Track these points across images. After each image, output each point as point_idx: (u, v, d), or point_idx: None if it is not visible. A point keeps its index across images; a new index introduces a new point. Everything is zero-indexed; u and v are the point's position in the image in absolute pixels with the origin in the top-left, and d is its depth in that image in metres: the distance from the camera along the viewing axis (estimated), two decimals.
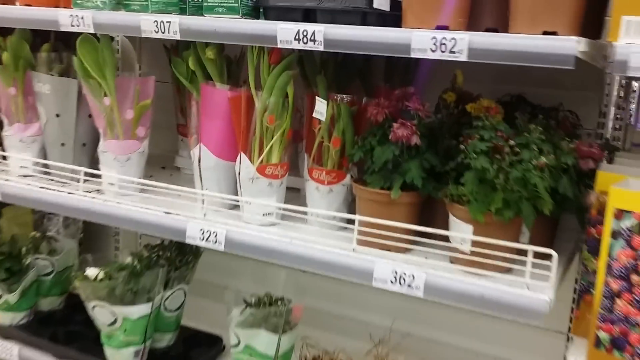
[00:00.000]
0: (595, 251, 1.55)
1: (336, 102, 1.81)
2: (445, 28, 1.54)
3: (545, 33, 1.42)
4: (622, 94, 2.08)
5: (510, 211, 1.46)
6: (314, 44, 1.60)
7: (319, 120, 1.81)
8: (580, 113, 1.98)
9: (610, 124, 2.11)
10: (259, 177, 1.82)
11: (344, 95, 1.87)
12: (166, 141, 2.57)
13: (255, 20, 1.72)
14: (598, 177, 1.53)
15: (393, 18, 1.69)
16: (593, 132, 2.08)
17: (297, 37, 1.62)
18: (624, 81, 2.06)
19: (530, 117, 1.75)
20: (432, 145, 1.71)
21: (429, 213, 1.77)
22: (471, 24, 1.60)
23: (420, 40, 1.48)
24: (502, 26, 1.62)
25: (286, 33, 1.63)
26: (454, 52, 1.46)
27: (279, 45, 1.64)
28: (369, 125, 1.85)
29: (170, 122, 2.54)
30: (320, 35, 1.59)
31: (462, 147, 1.51)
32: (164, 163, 2.55)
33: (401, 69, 2.18)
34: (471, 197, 1.49)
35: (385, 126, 1.71)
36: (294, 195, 2.11)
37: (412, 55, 1.50)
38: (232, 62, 2.10)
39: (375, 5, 1.62)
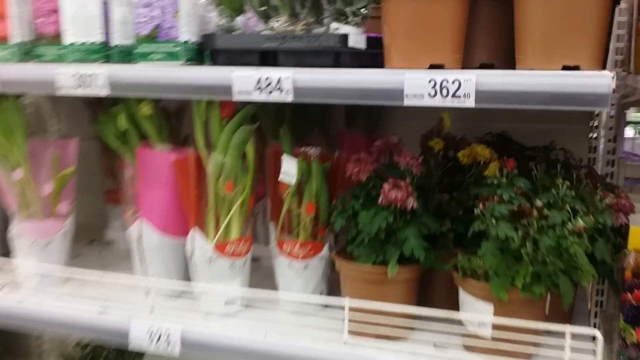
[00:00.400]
0: (634, 321, 1.30)
1: (306, 158, 1.51)
2: (440, 67, 1.27)
3: (565, 68, 1.17)
4: (611, 126, 1.89)
5: (541, 286, 1.19)
6: (281, 93, 1.29)
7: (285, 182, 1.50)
8: (569, 149, 1.76)
9: (601, 160, 1.91)
10: (218, 257, 1.48)
11: (312, 149, 1.57)
12: (92, 208, 2.18)
13: (203, 68, 1.40)
14: (631, 233, 1.29)
15: (370, 57, 1.41)
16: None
17: (258, 86, 1.31)
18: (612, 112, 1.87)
19: (529, 162, 1.52)
20: (423, 203, 1.43)
21: (426, 283, 1.48)
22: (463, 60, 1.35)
23: (415, 84, 1.21)
24: (498, 61, 1.38)
25: (244, 82, 1.32)
26: (457, 97, 1.18)
27: (236, 98, 1.33)
28: (343, 183, 1.56)
29: (95, 185, 2.15)
30: (288, 82, 1.28)
31: (477, 211, 1.23)
32: (91, 235, 2.17)
33: (364, 110, 1.91)
34: (492, 271, 1.21)
35: (370, 185, 1.42)
36: (254, 266, 1.77)
37: (406, 103, 1.22)
38: (170, 115, 1.76)
39: (350, 44, 1.34)
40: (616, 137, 1.90)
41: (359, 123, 1.95)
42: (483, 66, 1.38)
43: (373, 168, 1.42)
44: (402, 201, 1.32)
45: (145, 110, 1.55)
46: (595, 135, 1.90)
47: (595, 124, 1.90)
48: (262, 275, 1.72)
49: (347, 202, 1.44)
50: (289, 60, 1.38)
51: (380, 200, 1.34)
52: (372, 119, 1.95)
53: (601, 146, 1.90)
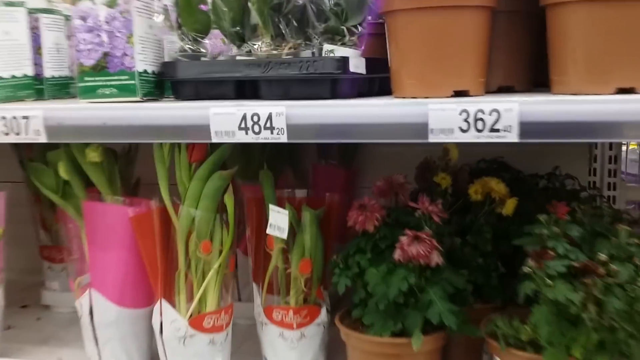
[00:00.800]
0: None
1: (294, 205, 1.26)
2: (465, 93, 1.05)
3: (620, 91, 0.98)
4: (610, 145, 1.73)
5: (606, 356, 0.98)
6: (272, 133, 1.04)
7: (274, 236, 1.24)
8: (567, 172, 1.58)
9: (599, 182, 1.75)
10: (194, 333, 1.21)
11: (299, 192, 1.32)
12: (23, 263, 1.84)
13: (170, 104, 1.12)
14: None
15: (369, 84, 1.18)
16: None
17: (243, 126, 1.05)
18: None
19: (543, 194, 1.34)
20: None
21: None
22: None
23: (443, 116, 0.98)
24: (518, 83, 1.20)
25: (225, 120, 1.05)
26: (497, 131, 0.97)
27: (215, 139, 1.06)
28: (337, 230, 1.33)
29: (26, 236, 1.82)
30: (280, 120, 1.03)
31: (527, 270, 1.01)
32: (24, 297, 1.83)
33: None
34: (545, 340, 0.99)
35: (377, 236, 1.19)
36: None
37: (432, 140, 0.99)
38: (117, 155, 1.46)
39: (351, 69, 1.10)
40: (616, 157, 1.75)
41: (333, 154, 1.72)
42: (501, 89, 1.18)
43: (381, 215, 1.18)
44: (425, 257, 1.09)
45: (93, 156, 1.26)
46: (595, 155, 1.74)
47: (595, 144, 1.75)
48: (239, 340, 1.45)
49: (349, 257, 1.20)
50: (275, 91, 1.13)
51: (396, 256, 1.11)
52: (348, 148, 1.72)
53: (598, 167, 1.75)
